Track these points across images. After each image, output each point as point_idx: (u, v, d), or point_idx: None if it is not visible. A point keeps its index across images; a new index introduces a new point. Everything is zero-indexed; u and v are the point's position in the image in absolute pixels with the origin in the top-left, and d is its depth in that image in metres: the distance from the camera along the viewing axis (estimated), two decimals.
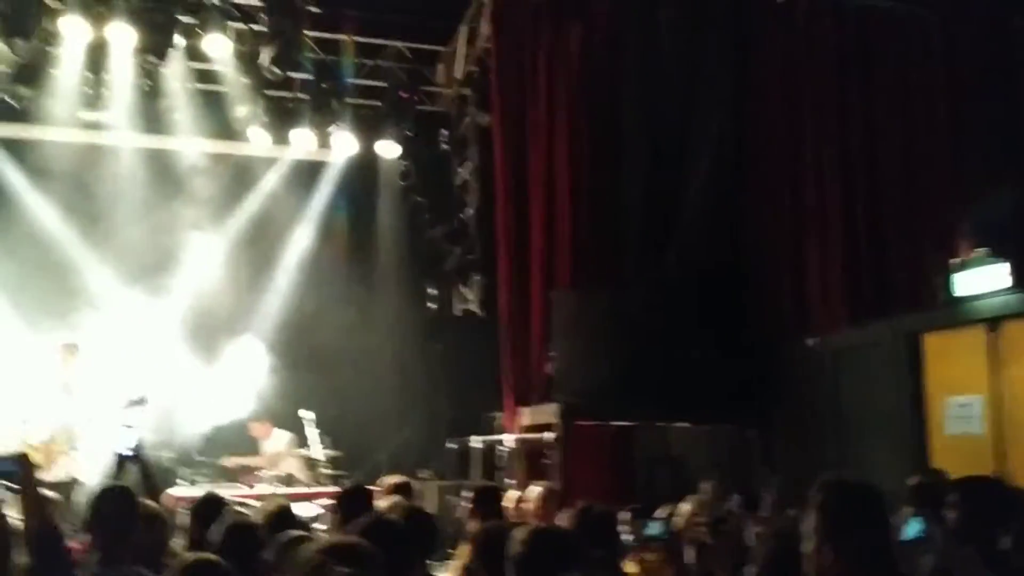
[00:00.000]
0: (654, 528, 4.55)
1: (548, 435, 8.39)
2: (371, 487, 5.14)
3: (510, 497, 7.31)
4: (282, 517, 4.52)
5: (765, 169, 9.58)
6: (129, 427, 5.14)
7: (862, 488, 2.72)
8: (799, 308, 9.02)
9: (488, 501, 5.17)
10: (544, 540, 3.14)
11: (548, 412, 8.68)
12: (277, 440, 9.61)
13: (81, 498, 7.24)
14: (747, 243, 9.62)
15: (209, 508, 4.45)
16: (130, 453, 5.02)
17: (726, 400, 8.44)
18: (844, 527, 2.63)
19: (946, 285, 7.01)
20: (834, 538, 2.63)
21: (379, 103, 11.66)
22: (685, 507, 5.05)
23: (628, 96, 9.94)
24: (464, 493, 5.67)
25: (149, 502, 4.57)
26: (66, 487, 7.00)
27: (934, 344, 7.25)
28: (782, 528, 3.50)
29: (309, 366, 10.28)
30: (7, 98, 10.11)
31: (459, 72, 11.80)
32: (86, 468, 8.07)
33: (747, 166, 9.74)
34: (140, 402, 7.52)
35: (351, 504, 4.73)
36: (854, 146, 8.84)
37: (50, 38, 9.91)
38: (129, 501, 3.94)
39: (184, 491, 8.54)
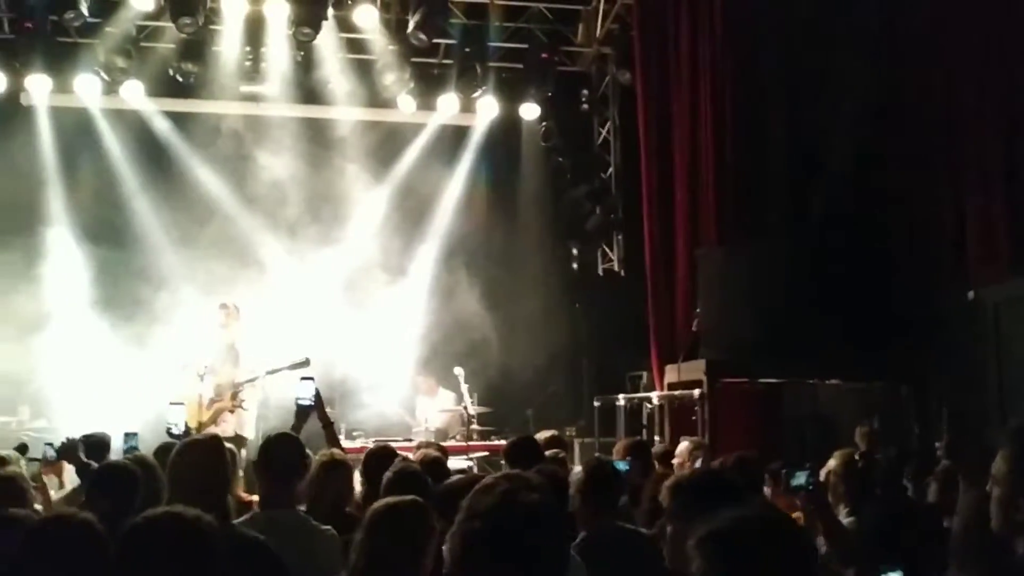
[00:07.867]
0: (800, 478, 4.51)
1: (695, 392, 8.35)
2: None
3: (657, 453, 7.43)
4: (437, 466, 4.79)
5: (918, 111, 8.90)
6: (309, 379, 5.47)
7: None
8: (956, 257, 8.42)
9: (641, 454, 5.37)
10: (704, 476, 3.49)
11: (695, 369, 8.60)
12: (443, 399, 9.94)
13: (248, 453, 7.79)
14: (898, 189, 8.95)
15: (381, 459, 4.63)
16: (310, 403, 5.32)
17: (878, 356, 8.05)
18: None
19: None
20: None
21: (521, 66, 11.72)
22: (832, 462, 5.01)
23: (771, 47, 9.58)
24: (617, 447, 5.85)
25: (334, 450, 4.73)
26: (234, 443, 7.43)
27: None
28: None
29: (456, 325, 10.55)
30: (175, 74, 10.79)
31: (599, 31, 11.76)
32: (250, 425, 8.55)
33: (898, 108, 9.06)
34: (303, 364, 7.97)
35: (519, 453, 5.08)
36: (1019, 75, 8.05)
37: (213, 16, 10.50)
38: (297, 448, 4.00)
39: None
